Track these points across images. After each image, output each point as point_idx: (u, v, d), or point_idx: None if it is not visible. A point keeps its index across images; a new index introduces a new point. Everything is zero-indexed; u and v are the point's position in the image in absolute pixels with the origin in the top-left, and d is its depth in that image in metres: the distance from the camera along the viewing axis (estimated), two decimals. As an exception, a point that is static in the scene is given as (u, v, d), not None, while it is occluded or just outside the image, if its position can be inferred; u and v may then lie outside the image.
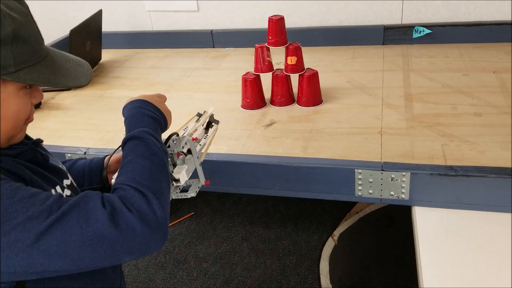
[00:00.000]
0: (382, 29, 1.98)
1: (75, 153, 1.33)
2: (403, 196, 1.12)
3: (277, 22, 1.53)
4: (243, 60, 2.02)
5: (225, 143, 1.36)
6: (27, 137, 0.81)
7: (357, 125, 1.39)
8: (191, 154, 0.94)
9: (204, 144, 1.00)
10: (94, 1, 2.28)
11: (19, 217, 0.63)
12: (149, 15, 2.34)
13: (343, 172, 1.15)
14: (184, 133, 0.97)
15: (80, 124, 1.60)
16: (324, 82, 1.59)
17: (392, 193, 1.13)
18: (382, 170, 1.11)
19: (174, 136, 0.93)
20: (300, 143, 1.33)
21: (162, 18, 2.33)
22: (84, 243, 0.65)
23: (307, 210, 2.18)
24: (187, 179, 0.91)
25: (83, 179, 0.98)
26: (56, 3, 2.45)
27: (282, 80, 1.54)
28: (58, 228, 0.64)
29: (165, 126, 0.91)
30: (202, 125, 1.04)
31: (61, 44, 2.23)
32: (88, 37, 1.98)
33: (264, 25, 2.17)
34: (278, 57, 2.00)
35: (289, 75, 1.55)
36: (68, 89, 1.85)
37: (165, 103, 0.95)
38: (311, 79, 1.52)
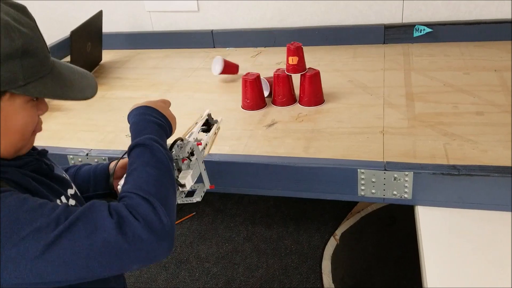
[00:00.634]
0: (382, 28, 1.98)
1: (77, 155, 1.33)
2: (406, 195, 1.12)
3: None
4: (243, 60, 2.02)
5: (226, 144, 1.36)
6: (32, 147, 0.81)
7: (358, 125, 1.39)
8: (196, 159, 0.94)
9: (206, 143, 1.00)
10: (94, 2, 2.28)
11: (28, 228, 0.63)
12: (149, 16, 2.34)
13: (345, 172, 1.14)
14: (188, 138, 0.97)
15: (82, 125, 1.60)
16: (325, 81, 1.59)
17: (395, 192, 1.13)
18: (385, 170, 1.11)
19: (179, 142, 0.94)
20: (302, 143, 1.33)
21: (162, 18, 2.33)
22: (92, 252, 0.65)
23: (309, 209, 2.18)
24: (192, 184, 0.92)
25: (88, 185, 0.98)
26: (56, 4, 2.45)
27: (284, 80, 1.54)
28: (66, 238, 0.64)
29: (170, 132, 0.91)
30: (202, 130, 1.04)
31: (61, 45, 2.23)
32: (89, 38, 1.97)
33: (264, 24, 2.18)
34: (279, 57, 2.00)
35: (291, 75, 1.55)
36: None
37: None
38: (313, 79, 1.52)
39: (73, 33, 1.79)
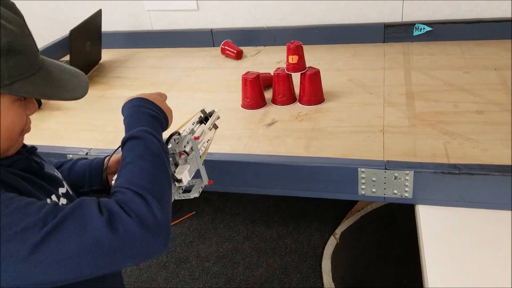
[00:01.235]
0: (382, 27, 1.98)
1: (77, 154, 1.33)
2: (406, 194, 1.12)
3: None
4: (243, 59, 2.02)
5: (227, 143, 1.35)
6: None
7: (359, 124, 1.39)
8: (194, 153, 0.92)
9: (204, 136, 0.98)
10: (94, 1, 2.27)
11: (14, 228, 0.61)
12: (148, 15, 2.33)
13: (346, 171, 1.14)
14: (186, 132, 0.95)
15: (81, 125, 1.60)
16: (325, 80, 1.58)
17: (395, 191, 1.12)
18: (386, 169, 1.11)
19: (176, 135, 0.91)
20: (302, 142, 1.33)
21: (161, 17, 2.32)
22: (82, 251, 0.63)
23: (309, 208, 2.18)
24: (189, 179, 0.89)
25: (83, 180, 0.96)
26: (56, 3, 2.44)
27: (284, 79, 1.54)
28: (55, 238, 0.62)
29: (166, 125, 0.89)
30: (209, 128, 1.02)
31: (61, 44, 2.23)
32: (88, 37, 1.97)
33: (264, 23, 2.18)
34: (280, 56, 2.00)
35: (291, 74, 1.55)
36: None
37: (166, 102, 0.93)
38: (313, 78, 1.52)
39: (72, 32, 1.79)
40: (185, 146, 0.90)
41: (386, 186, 1.12)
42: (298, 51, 1.52)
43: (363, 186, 1.14)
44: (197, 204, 2.27)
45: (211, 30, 2.20)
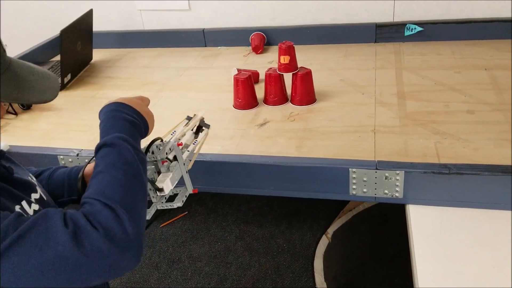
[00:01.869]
0: (374, 27, 1.99)
1: (68, 155, 1.32)
2: (397, 194, 1.12)
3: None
4: (235, 59, 2.02)
5: (219, 143, 1.35)
6: None
7: (350, 124, 1.39)
8: (177, 160, 0.88)
9: (193, 150, 0.94)
10: (85, 1, 2.26)
11: None
12: (140, 14, 2.32)
13: (337, 172, 1.15)
14: (170, 138, 0.91)
15: (73, 125, 1.59)
16: (317, 80, 1.59)
17: (386, 191, 1.13)
18: (376, 169, 1.11)
19: (158, 142, 0.87)
20: (294, 142, 1.33)
21: (153, 17, 2.32)
22: (45, 267, 0.59)
23: (301, 208, 2.18)
24: (171, 188, 0.85)
25: (62, 189, 0.93)
26: (47, 3, 2.43)
27: (275, 79, 1.54)
28: (15, 252, 0.58)
29: (145, 131, 0.85)
30: (192, 130, 0.98)
31: (51, 44, 2.21)
32: (79, 37, 1.96)
33: (256, 23, 2.18)
34: (271, 56, 2.00)
35: (282, 74, 1.55)
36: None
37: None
38: (305, 78, 1.52)
39: (63, 32, 1.78)
40: (167, 153, 0.86)
41: (377, 186, 1.13)
42: (289, 51, 1.52)
43: (354, 186, 1.15)
44: (190, 204, 2.27)
45: (203, 30, 2.19)
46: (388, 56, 1.86)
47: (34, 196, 0.76)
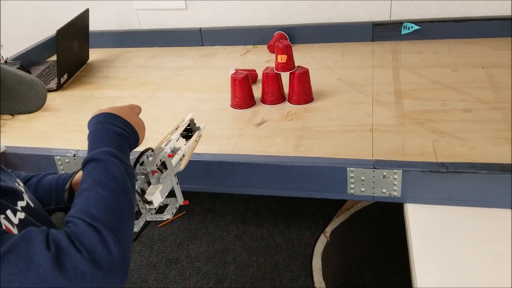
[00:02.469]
0: (371, 25, 1.98)
1: (64, 155, 1.32)
2: (395, 193, 1.12)
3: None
4: (232, 58, 2.02)
5: (216, 143, 1.35)
6: None
7: (348, 123, 1.39)
8: (167, 171, 0.86)
9: (183, 154, 0.92)
10: (82, 0, 2.25)
11: None
12: (137, 14, 2.32)
13: (335, 171, 1.14)
14: (162, 150, 0.89)
15: (70, 126, 1.58)
16: (315, 79, 1.59)
17: (384, 190, 1.13)
18: (374, 168, 1.11)
19: (149, 152, 0.85)
20: (292, 141, 1.33)
21: (150, 16, 2.31)
22: None
23: (299, 207, 2.18)
24: (161, 200, 0.84)
25: (50, 197, 0.90)
26: (43, 3, 2.42)
27: (273, 78, 1.54)
28: None
29: (135, 143, 0.82)
30: (181, 136, 0.96)
31: (47, 44, 2.21)
32: (75, 37, 1.95)
33: (253, 22, 2.18)
34: (269, 55, 2.00)
35: (280, 73, 1.55)
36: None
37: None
38: (302, 77, 1.52)
39: (59, 32, 1.77)
40: (157, 164, 0.84)
41: (375, 185, 1.13)
42: (287, 50, 1.52)
43: (352, 186, 1.15)
44: (188, 204, 2.26)
45: (200, 29, 2.19)
46: (385, 54, 1.86)
47: (21, 203, 0.73)
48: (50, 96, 1.83)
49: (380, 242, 1.94)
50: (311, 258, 1.90)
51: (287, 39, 2.01)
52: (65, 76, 1.90)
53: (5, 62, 1.82)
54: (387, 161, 1.13)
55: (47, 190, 0.90)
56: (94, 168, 0.71)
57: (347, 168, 1.13)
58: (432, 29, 1.93)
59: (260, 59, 1.97)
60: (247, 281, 1.85)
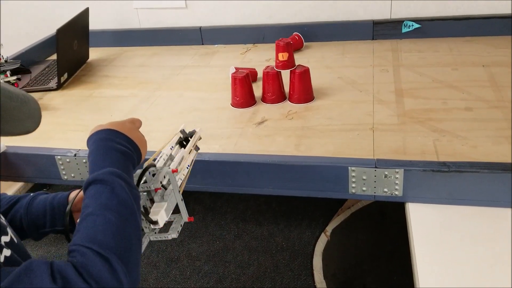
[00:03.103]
0: (371, 24, 1.98)
1: (65, 155, 1.31)
2: (396, 193, 1.12)
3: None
4: (232, 57, 2.01)
5: (216, 142, 1.35)
6: None
7: (349, 122, 1.39)
8: (171, 188, 0.82)
9: (181, 160, 0.87)
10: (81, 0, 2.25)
11: None
12: (136, 13, 2.31)
13: (336, 170, 1.14)
14: (163, 158, 0.85)
15: (70, 125, 1.58)
16: (315, 78, 1.58)
17: (385, 190, 1.13)
18: (376, 167, 1.11)
19: (152, 168, 0.81)
20: (292, 140, 1.32)
21: (150, 15, 2.31)
22: None
23: (299, 206, 2.18)
24: (166, 219, 0.79)
25: (44, 219, 0.84)
26: (43, 2, 2.41)
27: (273, 77, 1.53)
28: None
29: (138, 160, 0.78)
30: (180, 146, 0.93)
31: (47, 43, 2.20)
32: (75, 36, 1.95)
33: (253, 21, 2.17)
34: (269, 53, 2.00)
35: (280, 72, 1.54)
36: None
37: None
38: (303, 76, 1.52)
39: (59, 31, 1.77)
40: (161, 182, 0.80)
41: (377, 185, 1.13)
42: (288, 48, 1.52)
43: (353, 185, 1.15)
44: (188, 203, 2.26)
45: (200, 28, 2.19)
46: (386, 53, 1.85)
47: (4, 239, 0.65)
48: (50, 95, 1.83)
49: (381, 241, 1.94)
50: (312, 257, 1.91)
51: (302, 41, 2.00)
52: (65, 75, 1.89)
53: (5, 61, 1.81)
54: (388, 160, 1.13)
55: (40, 211, 0.84)
56: (99, 190, 0.67)
57: (349, 168, 1.13)
58: (432, 28, 1.92)
59: (260, 58, 1.96)
60: (248, 280, 1.85)
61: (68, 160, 1.31)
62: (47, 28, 2.25)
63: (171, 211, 0.81)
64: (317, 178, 1.17)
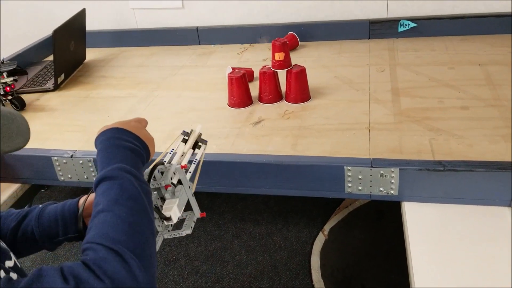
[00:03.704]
0: (368, 23, 1.98)
1: (62, 156, 1.31)
2: (392, 192, 1.12)
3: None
4: (229, 57, 2.01)
5: (214, 142, 1.35)
6: None
7: (345, 121, 1.39)
8: (181, 184, 0.82)
9: (194, 170, 0.89)
10: (78, 0, 2.24)
11: None
12: (133, 13, 2.31)
13: (332, 170, 1.15)
14: (172, 160, 0.85)
15: (67, 126, 1.58)
16: (312, 78, 1.59)
17: (381, 189, 1.13)
18: (371, 166, 1.11)
19: (160, 166, 0.81)
20: (289, 140, 1.33)
21: (146, 15, 2.31)
22: None
23: (297, 205, 2.19)
24: (179, 215, 0.80)
25: (56, 228, 0.84)
26: (39, 3, 2.41)
27: (270, 77, 1.53)
28: None
29: (147, 157, 0.78)
30: (192, 147, 0.94)
31: (44, 44, 2.20)
32: (72, 37, 1.95)
33: (250, 21, 2.17)
34: (266, 53, 2.00)
35: (277, 72, 1.55)
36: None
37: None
38: (299, 76, 1.52)
39: (56, 32, 1.77)
40: (171, 178, 0.80)
41: (372, 184, 1.13)
42: (284, 48, 1.52)
43: (349, 184, 1.15)
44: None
45: (197, 28, 2.19)
46: (382, 52, 1.86)
47: (8, 263, 0.65)
48: (47, 96, 1.83)
49: (378, 240, 1.94)
50: (310, 256, 1.91)
51: (297, 40, 2.01)
52: (62, 76, 1.89)
53: (2, 62, 1.81)
54: (384, 159, 1.13)
55: (51, 221, 0.84)
56: (109, 187, 0.67)
57: (345, 167, 1.13)
58: (428, 27, 1.93)
59: (257, 58, 1.97)
60: (246, 279, 1.85)
61: (64, 161, 1.31)
62: (44, 29, 2.24)
63: (183, 207, 0.81)
64: (314, 178, 1.17)
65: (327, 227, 2.03)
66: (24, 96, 1.75)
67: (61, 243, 0.86)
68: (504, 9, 1.87)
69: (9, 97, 1.70)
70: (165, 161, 0.84)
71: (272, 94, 1.55)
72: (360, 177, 1.13)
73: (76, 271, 0.56)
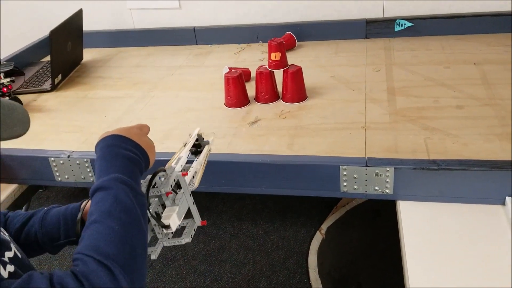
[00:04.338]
0: (364, 23, 1.99)
1: (59, 157, 1.32)
2: (387, 191, 1.13)
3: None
4: (226, 57, 2.02)
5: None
6: None
7: (341, 121, 1.40)
8: (182, 191, 0.82)
9: (195, 171, 0.89)
10: (75, 0, 2.25)
11: None
12: (130, 13, 2.32)
13: (328, 169, 1.15)
14: (174, 168, 0.85)
15: (64, 126, 1.58)
16: (308, 77, 1.59)
17: (376, 188, 1.14)
18: (366, 166, 1.12)
19: (161, 173, 0.81)
20: (286, 139, 1.33)
21: (144, 16, 2.31)
22: None
23: (295, 205, 2.19)
24: (179, 223, 0.79)
25: (58, 231, 0.85)
26: (36, 3, 2.41)
27: (266, 76, 1.54)
28: None
29: (146, 166, 0.78)
30: (191, 153, 0.94)
31: (41, 45, 2.21)
32: (69, 37, 1.95)
33: (247, 21, 2.18)
34: (262, 53, 2.00)
35: (273, 72, 1.55)
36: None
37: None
38: (296, 75, 1.53)
39: (53, 32, 1.77)
40: (171, 186, 0.80)
41: (368, 183, 1.14)
42: (280, 48, 1.52)
43: (345, 184, 1.16)
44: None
45: (194, 28, 2.19)
46: (379, 52, 1.86)
47: (8, 254, 0.66)
48: (44, 97, 1.83)
49: (375, 239, 1.95)
50: (307, 256, 1.92)
51: (295, 40, 2.01)
52: (59, 77, 1.90)
53: (-1, 63, 1.82)
54: (379, 159, 1.14)
55: (54, 224, 0.85)
56: (103, 197, 0.67)
57: (340, 166, 1.14)
58: (425, 26, 1.93)
59: (254, 58, 1.97)
60: (243, 279, 1.86)
61: (61, 161, 1.32)
62: (41, 29, 2.24)
63: (183, 215, 0.81)
64: (310, 177, 1.18)
65: (324, 226, 2.03)
66: (21, 97, 1.76)
67: (63, 247, 0.87)
68: (500, 8, 1.88)
69: (6, 98, 1.71)
70: (166, 169, 0.84)
71: (268, 94, 1.56)
72: (355, 176, 1.14)
73: (64, 281, 0.56)
